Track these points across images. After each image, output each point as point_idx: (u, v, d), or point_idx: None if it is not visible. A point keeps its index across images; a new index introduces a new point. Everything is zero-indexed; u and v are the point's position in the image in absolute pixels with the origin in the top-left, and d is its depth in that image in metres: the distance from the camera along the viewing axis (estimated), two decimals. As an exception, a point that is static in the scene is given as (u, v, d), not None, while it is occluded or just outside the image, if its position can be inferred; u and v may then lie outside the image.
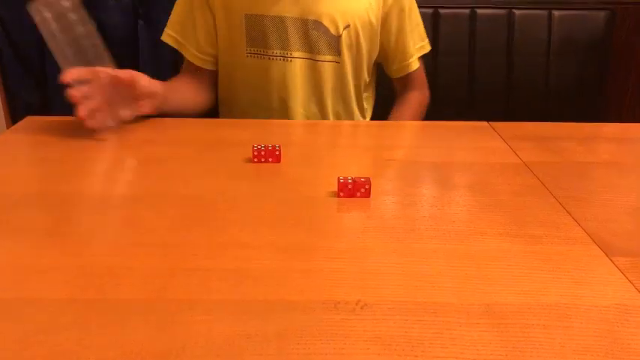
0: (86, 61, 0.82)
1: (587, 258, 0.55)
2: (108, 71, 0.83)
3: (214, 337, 0.42)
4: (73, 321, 0.44)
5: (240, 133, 0.87)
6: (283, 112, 1.08)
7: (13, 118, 1.50)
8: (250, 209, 0.63)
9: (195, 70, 1.11)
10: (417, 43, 1.14)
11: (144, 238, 0.56)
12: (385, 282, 0.50)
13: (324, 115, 1.10)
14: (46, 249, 0.54)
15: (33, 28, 0.92)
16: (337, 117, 1.12)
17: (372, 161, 0.80)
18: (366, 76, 1.12)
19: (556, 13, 1.39)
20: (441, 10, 1.34)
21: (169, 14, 1.09)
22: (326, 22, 1.03)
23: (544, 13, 1.39)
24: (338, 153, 0.83)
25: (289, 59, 1.05)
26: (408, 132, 0.99)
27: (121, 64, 1.73)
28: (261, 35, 1.04)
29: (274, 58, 1.05)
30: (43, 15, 0.80)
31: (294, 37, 1.04)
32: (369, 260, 0.53)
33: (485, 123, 0.94)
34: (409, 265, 0.53)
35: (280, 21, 1.03)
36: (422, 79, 1.19)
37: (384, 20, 1.09)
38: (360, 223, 0.61)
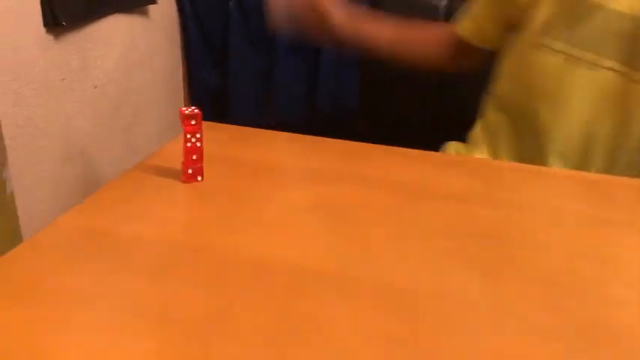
0: None
1: None
2: None
3: None
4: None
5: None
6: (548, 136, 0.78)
7: (193, 96, 1.58)
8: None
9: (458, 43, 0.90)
10: None
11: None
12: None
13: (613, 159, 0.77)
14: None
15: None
16: (630, 168, 0.76)
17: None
18: None
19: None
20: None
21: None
22: None
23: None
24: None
25: (596, 68, 0.74)
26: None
27: (210, 42, 1.76)
28: (567, 25, 0.75)
29: (578, 61, 0.74)
30: None
31: (611, 38, 0.73)
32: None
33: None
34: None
35: (599, 11, 0.72)
36: None
37: None
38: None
